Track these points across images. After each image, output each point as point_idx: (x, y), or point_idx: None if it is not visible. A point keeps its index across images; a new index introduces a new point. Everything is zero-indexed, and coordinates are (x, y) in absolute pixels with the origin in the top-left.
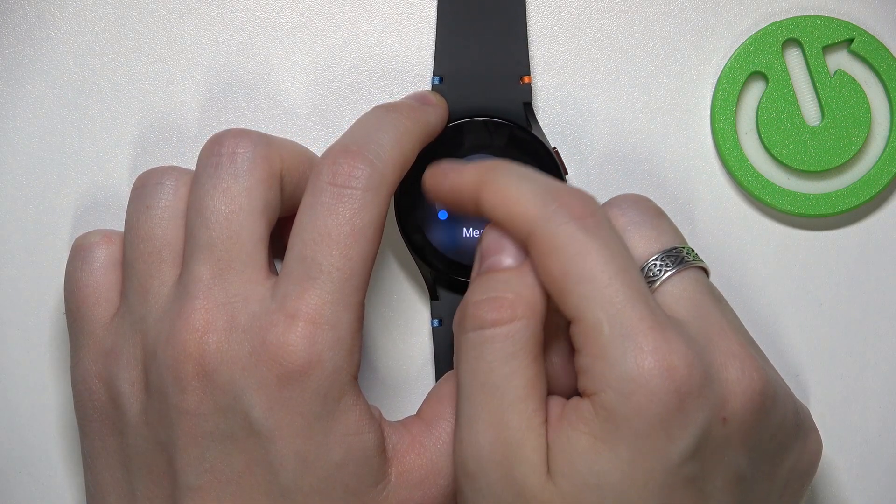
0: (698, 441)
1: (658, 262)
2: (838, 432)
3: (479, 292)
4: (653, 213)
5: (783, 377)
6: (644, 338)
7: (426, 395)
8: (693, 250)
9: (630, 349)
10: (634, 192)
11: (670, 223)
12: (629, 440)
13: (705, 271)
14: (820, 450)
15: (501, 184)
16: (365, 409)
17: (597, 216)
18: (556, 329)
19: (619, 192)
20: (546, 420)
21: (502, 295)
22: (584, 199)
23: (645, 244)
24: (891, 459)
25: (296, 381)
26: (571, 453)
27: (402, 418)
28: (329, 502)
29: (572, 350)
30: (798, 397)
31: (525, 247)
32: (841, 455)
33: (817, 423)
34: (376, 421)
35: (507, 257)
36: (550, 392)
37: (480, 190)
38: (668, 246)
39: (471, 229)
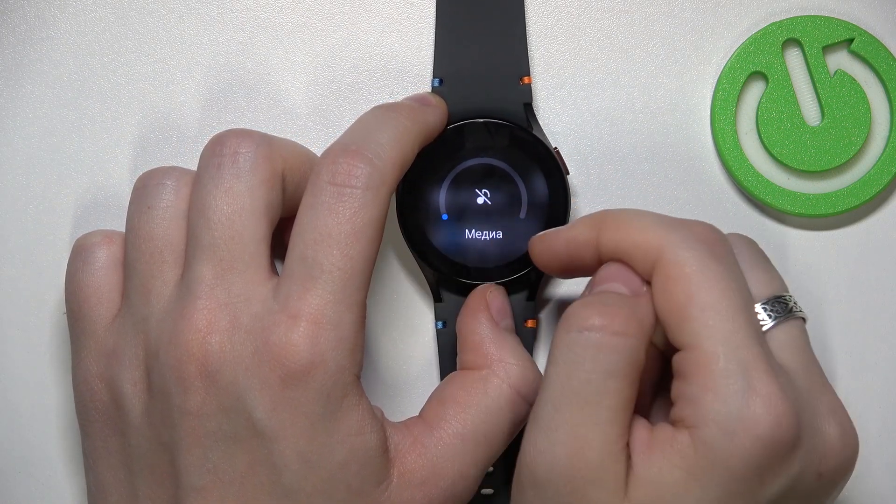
0: (788, 489)
1: (767, 308)
2: None
3: (592, 299)
4: (763, 257)
5: None
6: (759, 380)
7: (429, 396)
8: (797, 301)
9: (743, 388)
10: (634, 192)
11: (775, 269)
12: (723, 480)
13: (804, 321)
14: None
15: (622, 219)
16: (367, 410)
17: (725, 244)
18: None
19: (618, 193)
20: (627, 446)
21: (617, 307)
22: (711, 226)
23: (757, 287)
24: (891, 459)
25: (299, 381)
26: (660, 485)
27: (404, 419)
28: (331, 502)
29: (651, 369)
30: None
31: (648, 278)
32: None
33: None
34: (379, 421)
35: (623, 287)
36: None
37: (600, 230)
38: (777, 293)
39: (473, 231)
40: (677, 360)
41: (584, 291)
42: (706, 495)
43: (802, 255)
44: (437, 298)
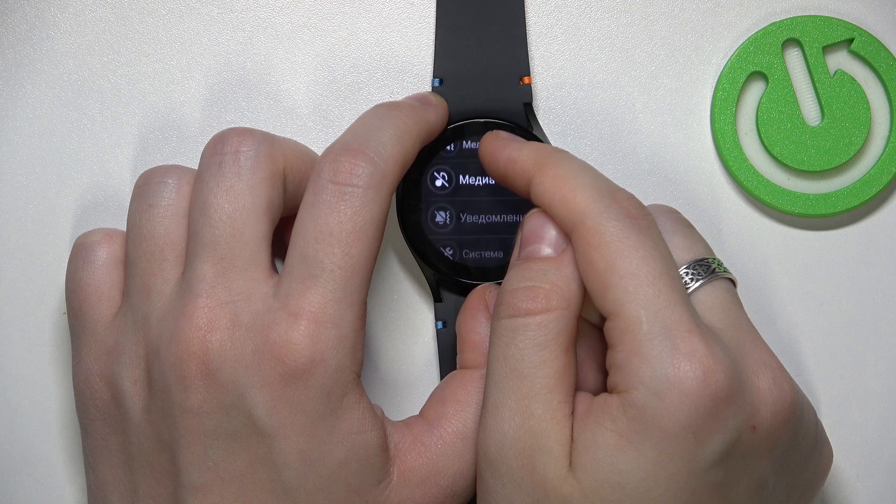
0: (727, 447)
1: (690, 271)
2: (838, 432)
3: (517, 280)
4: (684, 224)
5: None
6: (683, 340)
7: (429, 395)
8: (721, 262)
9: (668, 349)
10: (634, 192)
11: (699, 234)
12: (656, 441)
13: (733, 283)
14: (831, 460)
15: (559, 169)
16: (367, 408)
17: (648, 219)
18: (582, 326)
19: None
20: (572, 413)
21: (539, 285)
22: (637, 201)
23: (678, 253)
24: (891, 459)
25: (299, 379)
26: (595, 449)
27: (404, 418)
28: (331, 501)
29: (597, 348)
30: None
31: (569, 236)
32: (841, 455)
33: None
34: (379, 420)
35: (548, 246)
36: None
37: (537, 169)
38: (700, 256)
39: (473, 230)
40: (606, 330)
41: (514, 251)
42: (641, 457)
43: (802, 255)
44: (437, 298)
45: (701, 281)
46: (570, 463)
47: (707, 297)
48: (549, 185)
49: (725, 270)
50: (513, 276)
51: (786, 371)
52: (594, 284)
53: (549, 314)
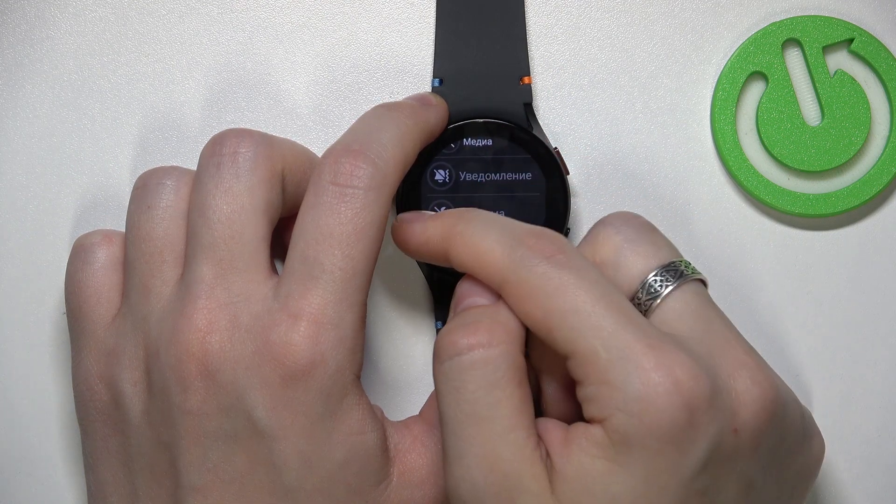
0: (709, 454)
1: (658, 278)
2: (838, 432)
3: (453, 324)
4: (647, 229)
5: (783, 378)
6: (644, 357)
7: (429, 395)
8: (689, 263)
9: (632, 370)
10: (634, 192)
11: (664, 238)
12: (643, 459)
13: (703, 283)
14: (823, 452)
15: (467, 236)
16: (367, 409)
17: (566, 251)
18: (550, 362)
19: (618, 193)
20: (538, 444)
21: (477, 321)
22: (551, 237)
23: (643, 261)
24: (891, 459)
25: (299, 380)
26: (586, 477)
27: (403, 418)
28: (331, 501)
29: (564, 381)
30: (798, 398)
31: (500, 294)
32: (841, 455)
33: (817, 422)
34: (378, 420)
35: (481, 298)
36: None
37: (448, 245)
38: (666, 261)
39: None
40: (570, 368)
41: (450, 314)
42: (631, 477)
43: (802, 255)
44: (437, 298)
45: (671, 286)
46: (553, 494)
47: (677, 303)
48: (463, 256)
49: (694, 271)
50: (448, 323)
51: (765, 367)
52: (540, 332)
53: (495, 349)
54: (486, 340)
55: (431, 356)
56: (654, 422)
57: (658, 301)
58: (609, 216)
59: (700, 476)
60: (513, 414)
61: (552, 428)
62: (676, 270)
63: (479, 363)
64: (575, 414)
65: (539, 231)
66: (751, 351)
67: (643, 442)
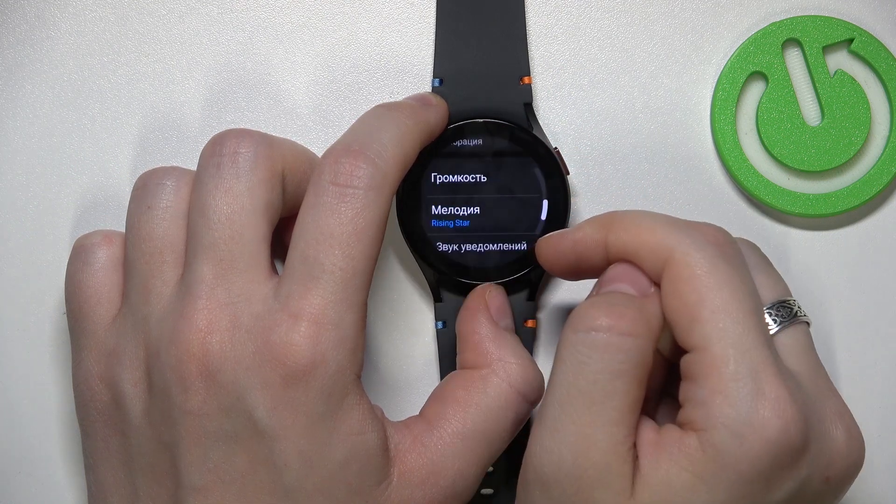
0: (795, 493)
1: (773, 312)
2: None
3: (600, 299)
4: (766, 261)
5: None
6: (769, 384)
7: (429, 395)
8: (800, 305)
9: (753, 392)
10: (634, 192)
11: (779, 274)
12: (730, 484)
13: (808, 325)
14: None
15: (631, 220)
16: (368, 409)
17: (735, 247)
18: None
19: (618, 193)
20: (634, 444)
21: (624, 307)
22: (720, 229)
23: (762, 292)
24: (891, 459)
25: (300, 380)
26: (667, 487)
27: (404, 418)
28: (332, 501)
29: (654, 374)
30: None
31: (657, 279)
32: None
33: None
34: (379, 420)
35: (631, 287)
36: None
37: (608, 230)
38: (782, 297)
39: (473, 231)
40: (686, 362)
41: (592, 292)
42: (713, 498)
43: (803, 255)
44: (437, 298)
45: (784, 324)
46: (633, 496)
47: (788, 340)
48: (627, 236)
49: (804, 314)
50: (594, 298)
51: (856, 424)
52: (682, 317)
53: (633, 339)
54: (628, 328)
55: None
56: (755, 450)
57: (771, 335)
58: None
59: None
60: (624, 408)
61: (645, 428)
62: (791, 310)
63: (613, 347)
64: (652, 412)
65: (710, 223)
66: (845, 403)
67: (737, 466)
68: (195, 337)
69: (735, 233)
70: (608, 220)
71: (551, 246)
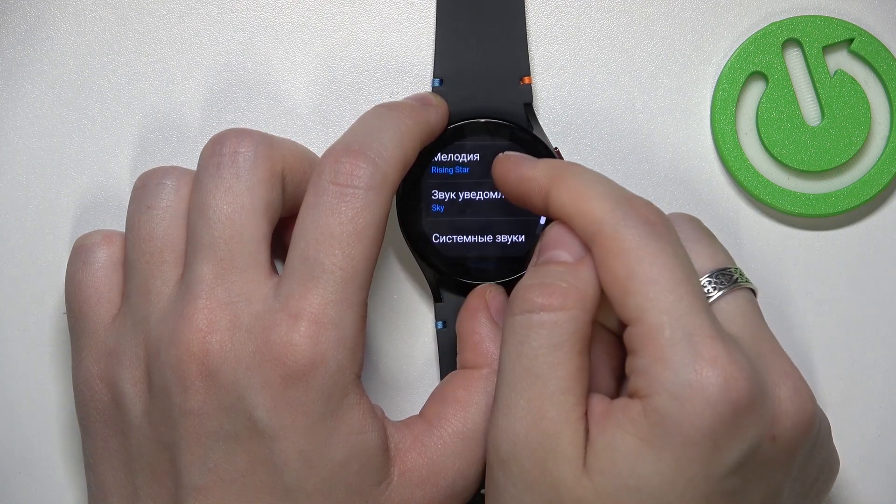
0: (745, 456)
1: (712, 280)
2: (838, 432)
3: (533, 278)
4: (706, 233)
5: None
6: (705, 346)
7: (429, 395)
8: (742, 272)
9: (690, 355)
10: (634, 192)
11: (720, 244)
12: (676, 447)
13: (753, 292)
14: (838, 468)
15: (575, 181)
16: (368, 409)
17: (666, 225)
18: (597, 330)
19: None
20: (585, 415)
21: (556, 282)
22: (655, 208)
23: (700, 262)
24: (891, 459)
25: (300, 380)
26: (614, 453)
27: (404, 418)
28: (332, 501)
29: (611, 352)
30: None
31: (588, 245)
32: (841, 455)
33: None
34: (379, 420)
35: (566, 253)
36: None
37: (552, 184)
38: (722, 266)
39: (473, 230)
40: (627, 336)
41: (532, 258)
42: (660, 461)
43: (802, 255)
44: (437, 298)
45: (723, 290)
46: (585, 465)
47: (728, 306)
48: (566, 198)
49: (747, 280)
50: (529, 275)
51: (806, 382)
52: (615, 291)
53: (565, 312)
54: (559, 304)
55: (436, 351)
56: (697, 411)
57: (710, 301)
58: (671, 214)
59: (731, 477)
60: (567, 378)
61: (597, 401)
62: (731, 277)
63: (546, 324)
64: (615, 392)
65: (646, 200)
66: (793, 364)
67: (680, 428)
68: (195, 337)
69: (735, 233)
70: (558, 172)
71: (504, 167)
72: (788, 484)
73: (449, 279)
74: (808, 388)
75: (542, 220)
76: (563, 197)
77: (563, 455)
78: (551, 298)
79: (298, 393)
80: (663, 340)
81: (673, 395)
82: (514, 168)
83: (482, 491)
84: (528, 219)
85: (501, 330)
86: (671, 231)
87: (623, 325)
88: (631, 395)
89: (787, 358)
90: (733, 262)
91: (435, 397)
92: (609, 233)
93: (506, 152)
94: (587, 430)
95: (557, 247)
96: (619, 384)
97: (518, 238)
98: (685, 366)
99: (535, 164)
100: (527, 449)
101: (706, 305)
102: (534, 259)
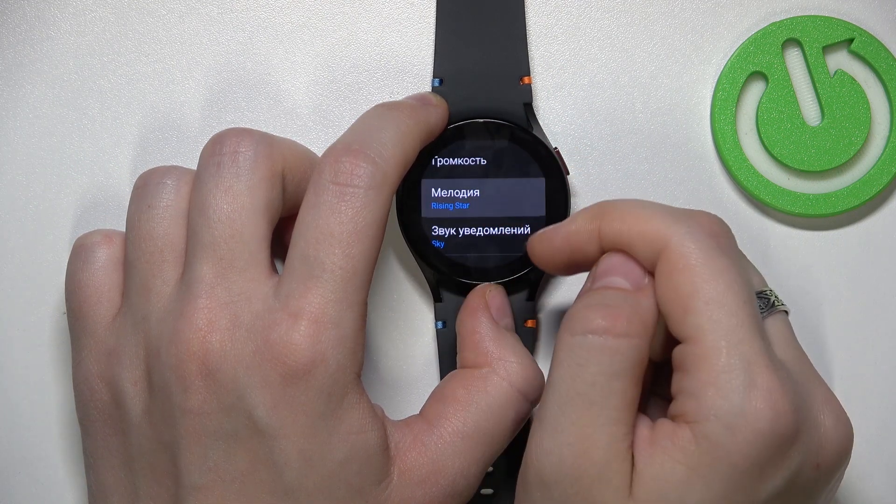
0: (788, 483)
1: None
2: None
3: (593, 299)
4: (740, 253)
5: None
6: (760, 375)
7: (429, 395)
8: (776, 293)
9: (745, 384)
10: (635, 193)
11: (752, 264)
12: (725, 475)
13: (786, 313)
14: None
15: (624, 208)
16: (368, 408)
17: (730, 236)
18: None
19: (618, 193)
20: (632, 442)
21: (620, 307)
22: (716, 218)
23: None
24: (891, 459)
25: (300, 379)
26: (664, 482)
27: (404, 418)
28: (332, 500)
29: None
30: None
31: (651, 268)
32: None
33: None
34: (379, 419)
35: (625, 280)
36: None
37: (601, 221)
38: (759, 288)
39: (473, 230)
40: (678, 353)
41: (586, 284)
42: (709, 490)
43: (803, 255)
44: (437, 298)
45: (764, 314)
46: (631, 494)
47: (771, 329)
48: (621, 226)
49: (782, 303)
50: (588, 297)
51: (843, 409)
52: (674, 307)
53: (628, 340)
54: (624, 330)
55: (436, 351)
56: (748, 441)
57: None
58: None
59: (772, 501)
60: (622, 408)
61: (640, 425)
62: (768, 300)
63: (609, 350)
64: (643, 403)
65: (704, 211)
66: (831, 390)
67: (730, 458)
68: (195, 336)
69: (735, 233)
70: (600, 209)
71: (544, 241)
72: (822, 500)
73: (449, 279)
74: (846, 416)
75: (543, 213)
76: (617, 226)
77: (609, 484)
78: (616, 322)
79: (298, 392)
80: (720, 365)
81: (725, 423)
82: (553, 233)
83: (482, 491)
84: (528, 219)
85: (554, 348)
86: (734, 244)
87: (663, 351)
88: (674, 417)
89: (825, 384)
90: (766, 283)
91: (435, 397)
92: (674, 248)
93: (534, 234)
94: (632, 457)
95: (615, 273)
96: (646, 403)
97: (520, 231)
98: (739, 394)
99: (571, 218)
100: (573, 475)
101: (762, 331)
102: (587, 284)
